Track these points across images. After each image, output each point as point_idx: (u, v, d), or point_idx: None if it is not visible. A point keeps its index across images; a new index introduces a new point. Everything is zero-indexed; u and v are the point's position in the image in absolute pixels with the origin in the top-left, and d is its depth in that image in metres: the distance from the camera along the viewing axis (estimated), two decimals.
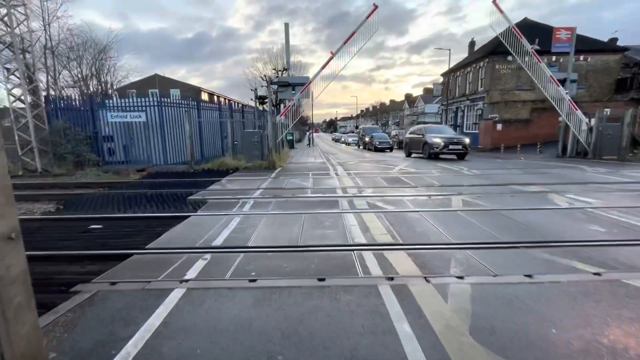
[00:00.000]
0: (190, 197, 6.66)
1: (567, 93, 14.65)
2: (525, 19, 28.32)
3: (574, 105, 14.24)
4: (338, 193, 7.12)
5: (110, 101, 12.86)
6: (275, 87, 14.41)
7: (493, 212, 5.15)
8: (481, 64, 26.13)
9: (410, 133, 19.13)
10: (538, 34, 26.73)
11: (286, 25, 19.72)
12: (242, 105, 33.18)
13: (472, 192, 6.85)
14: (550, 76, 14.62)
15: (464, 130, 29.08)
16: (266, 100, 14.96)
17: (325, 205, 6.04)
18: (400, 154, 19.92)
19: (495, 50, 24.59)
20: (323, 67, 13.01)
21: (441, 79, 37.31)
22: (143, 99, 12.14)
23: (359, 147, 31.34)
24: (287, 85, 13.64)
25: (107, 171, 10.93)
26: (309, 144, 38.09)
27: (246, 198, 6.72)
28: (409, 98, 69.32)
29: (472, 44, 34.91)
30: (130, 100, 12.52)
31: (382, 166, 12.51)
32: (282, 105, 15.23)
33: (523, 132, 23.16)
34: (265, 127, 11.59)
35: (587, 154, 13.90)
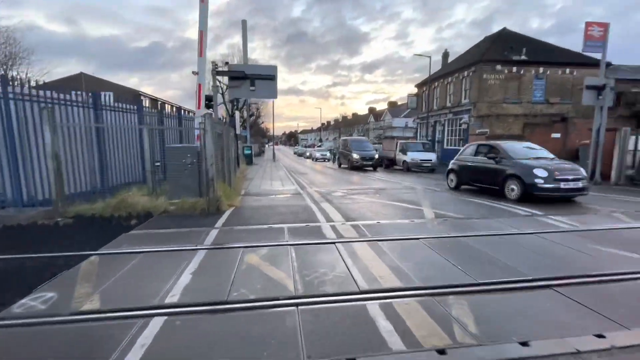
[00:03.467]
0: None
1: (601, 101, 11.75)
2: (505, 29, 26.71)
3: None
4: (381, 325, 2.58)
5: None
6: (225, 85, 9.63)
7: None
8: (465, 73, 23.62)
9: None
10: (518, 44, 25.17)
11: (244, 23, 15.11)
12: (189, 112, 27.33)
13: None
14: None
15: (446, 146, 26.32)
16: (212, 102, 10.01)
17: None
18: (395, 178, 15.93)
19: (482, 58, 22.18)
20: None
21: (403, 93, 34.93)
22: None
23: (334, 162, 26.96)
24: (243, 77, 8.98)
25: None
26: (272, 159, 33.29)
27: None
28: (373, 111, 67.59)
29: (445, 54, 33.09)
30: None
31: (399, 205, 8.26)
32: (239, 113, 10.56)
33: None
34: (205, 140, 6.70)
35: (634, 179, 10.99)
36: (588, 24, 11.99)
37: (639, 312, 2.78)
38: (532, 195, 7.82)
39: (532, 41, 25.11)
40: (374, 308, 2.81)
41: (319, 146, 46.27)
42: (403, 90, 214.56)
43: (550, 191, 7.68)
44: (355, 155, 19.81)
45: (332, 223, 5.86)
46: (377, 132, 53.95)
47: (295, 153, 54.79)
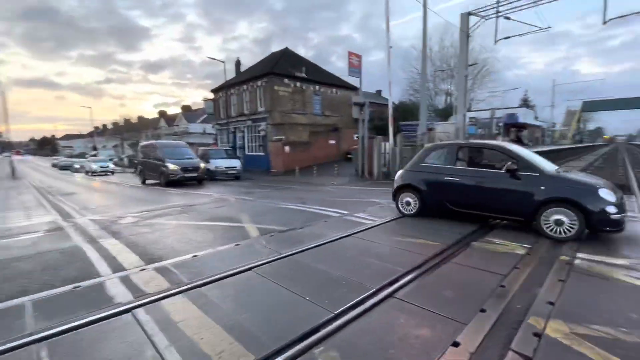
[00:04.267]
0: None
1: (362, 116, 15.03)
2: (286, 48, 30.18)
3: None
4: None
5: None
6: None
7: None
8: (259, 83, 24.79)
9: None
10: (299, 63, 29.14)
11: None
12: None
13: None
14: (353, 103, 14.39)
15: (248, 152, 26.80)
16: None
17: None
18: (201, 189, 14.11)
19: (273, 70, 23.94)
20: None
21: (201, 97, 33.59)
22: None
23: (138, 176, 20.80)
24: None
25: None
26: (11, 176, 22.87)
27: None
28: (165, 115, 60.57)
29: (237, 63, 33.79)
30: None
31: (216, 225, 6.89)
32: None
33: (307, 154, 23.70)
34: None
35: (389, 176, 14.75)
36: (350, 54, 15.04)
37: (454, 298, 3.10)
38: (596, 231, 4.84)
39: (309, 63, 29.71)
40: None
41: (94, 155, 36.26)
42: (196, 95, 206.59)
43: (619, 225, 4.65)
44: (171, 166, 14.98)
45: (123, 273, 3.98)
46: (172, 138, 48.57)
47: (55, 166, 40.55)
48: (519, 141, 38.30)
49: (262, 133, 24.80)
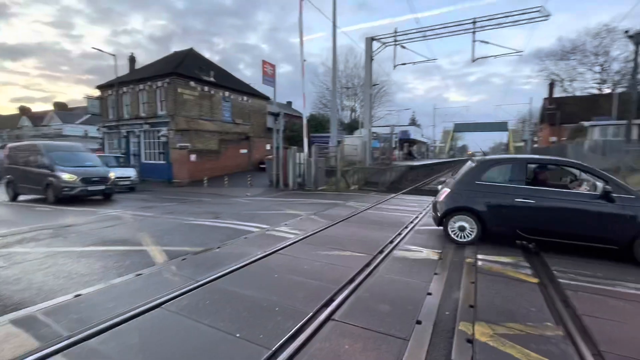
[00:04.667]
0: None
1: (277, 126, 14.84)
2: (191, 49, 28.06)
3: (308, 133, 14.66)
4: None
5: None
6: None
7: None
8: (159, 83, 22.22)
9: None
10: (206, 65, 27.35)
11: None
12: None
13: None
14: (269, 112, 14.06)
15: (144, 160, 23.55)
16: None
17: None
18: (85, 204, 11.44)
19: (177, 71, 21.83)
20: None
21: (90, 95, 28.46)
22: None
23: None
24: None
25: None
26: None
27: None
28: (28, 112, 49.01)
29: (132, 59, 29.80)
30: None
31: (107, 250, 5.51)
32: None
33: (217, 164, 22.22)
34: None
35: (303, 185, 14.79)
36: (264, 63, 14.76)
37: (390, 312, 3.09)
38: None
39: (218, 67, 28.18)
40: None
41: None
42: (75, 91, 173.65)
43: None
44: (65, 176, 10.95)
45: None
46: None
47: None
48: (410, 154, 44.01)
49: (163, 139, 22.16)
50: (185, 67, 23.33)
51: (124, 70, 28.61)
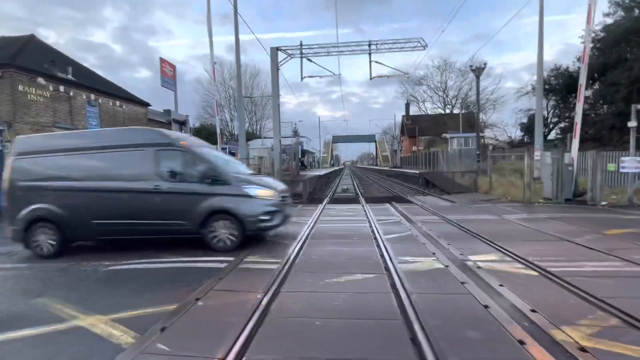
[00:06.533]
0: None
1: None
2: (33, 36, 21.57)
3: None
4: None
5: None
6: None
7: None
8: None
9: None
10: (60, 60, 21.36)
11: None
12: None
13: None
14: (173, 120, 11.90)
15: None
16: None
17: None
18: None
19: (16, 63, 16.23)
20: None
21: None
22: None
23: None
24: None
25: None
26: None
27: None
28: None
29: None
30: None
31: None
32: None
33: None
34: None
35: None
36: (162, 61, 12.47)
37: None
38: None
39: (78, 64, 22.51)
40: None
41: None
42: None
43: None
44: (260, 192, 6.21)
45: None
46: None
47: None
48: (302, 165, 45.63)
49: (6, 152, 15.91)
50: (27, 58, 17.66)
51: None
